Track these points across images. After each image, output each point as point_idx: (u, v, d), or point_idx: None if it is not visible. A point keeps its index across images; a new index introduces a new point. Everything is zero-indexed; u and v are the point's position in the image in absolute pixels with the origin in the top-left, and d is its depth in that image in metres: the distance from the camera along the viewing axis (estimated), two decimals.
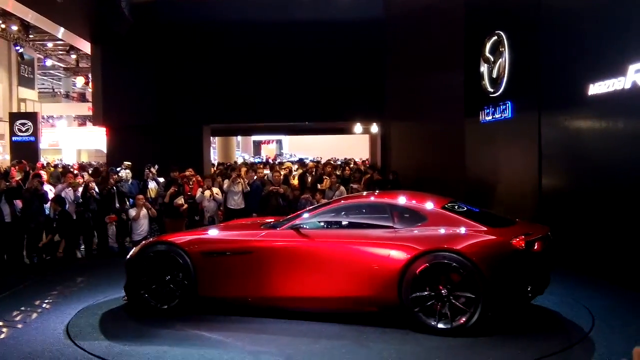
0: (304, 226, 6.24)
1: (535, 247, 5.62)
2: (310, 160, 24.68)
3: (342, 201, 6.82)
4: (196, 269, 6.27)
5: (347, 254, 5.90)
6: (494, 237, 5.65)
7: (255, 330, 5.77)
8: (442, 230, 5.80)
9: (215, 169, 18.26)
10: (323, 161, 22.93)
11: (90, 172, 13.87)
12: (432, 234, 5.80)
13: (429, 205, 6.15)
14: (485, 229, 5.75)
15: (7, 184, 9.56)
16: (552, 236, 6.10)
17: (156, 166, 11.89)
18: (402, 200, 6.39)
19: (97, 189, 10.50)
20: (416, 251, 5.59)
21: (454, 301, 5.47)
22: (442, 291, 5.50)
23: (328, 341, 5.43)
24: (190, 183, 11.26)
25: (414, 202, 6.31)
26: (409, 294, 5.55)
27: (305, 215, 6.50)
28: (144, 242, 6.98)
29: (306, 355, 5.09)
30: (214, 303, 6.35)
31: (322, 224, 6.33)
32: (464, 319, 5.42)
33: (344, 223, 6.32)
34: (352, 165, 18.59)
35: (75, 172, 13.94)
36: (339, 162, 23.04)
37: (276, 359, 5.03)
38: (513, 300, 5.70)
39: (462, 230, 5.77)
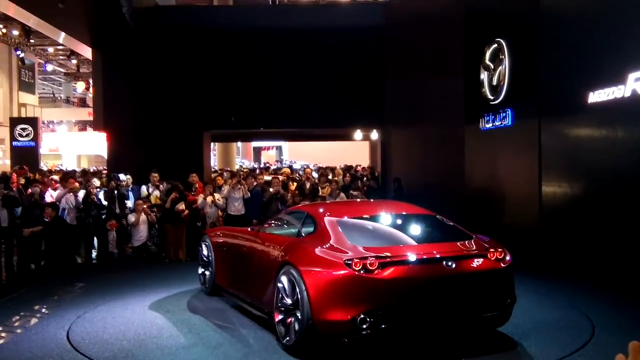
0: (264, 230, 6.58)
1: (391, 272, 4.76)
2: (307, 167, 24.49)
3: (294, 208, 7.44)
4: (214, 258, 7.34)
5: (259, 258, 6.15)
6: (333, 255, 5.02)
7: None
8: (307, 243, 5.49)
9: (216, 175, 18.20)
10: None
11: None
12: (299, 245, 5.56)
13: (321, 216, 5.75)
14: (351, 245, 5.08)
15: (5, 192, 9.53)
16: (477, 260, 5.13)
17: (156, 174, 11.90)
18: (315, 209, 6.19)
19: (98, 195, 10.51)
20: (282, 261, 5.47)
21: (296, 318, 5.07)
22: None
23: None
24: (193, 189, 11.20)
25: (318, 210, 6.01)
26: (274, 304, 5.42)
27: (271, 219, 7.04)
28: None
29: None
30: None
31: (272, 229, 6.61)
32: (291, 339, 5.09)
33: (281, 230, 6.57)
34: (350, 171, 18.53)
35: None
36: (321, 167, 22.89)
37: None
38: (338, 330, 4.85)
39: (323, 245, 5.25)
